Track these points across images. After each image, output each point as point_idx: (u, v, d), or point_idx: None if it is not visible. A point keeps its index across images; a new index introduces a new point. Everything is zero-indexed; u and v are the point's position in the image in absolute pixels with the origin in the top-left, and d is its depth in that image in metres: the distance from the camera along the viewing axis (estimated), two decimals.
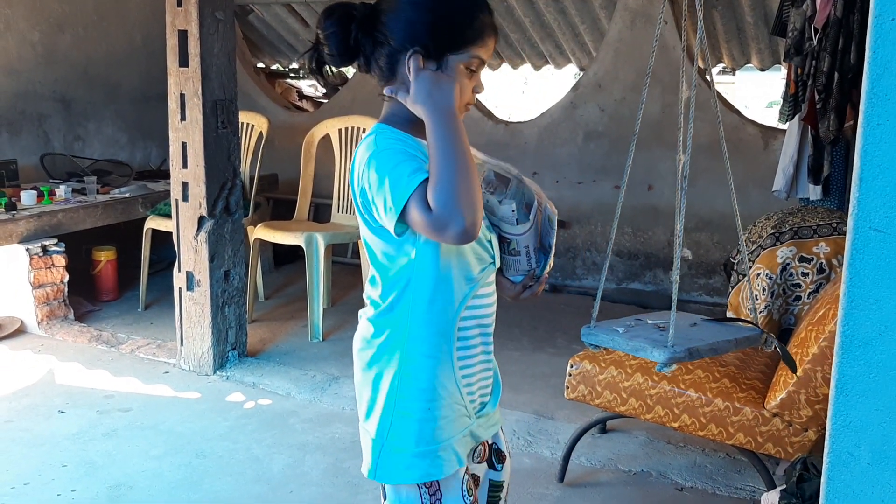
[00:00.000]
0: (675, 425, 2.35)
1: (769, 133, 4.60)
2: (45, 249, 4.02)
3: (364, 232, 1.45)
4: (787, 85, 3.43)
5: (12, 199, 4.06)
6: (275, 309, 4.55)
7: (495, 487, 1.64)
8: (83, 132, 5.40)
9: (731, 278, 3.06)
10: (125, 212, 4.51)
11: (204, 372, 3.52)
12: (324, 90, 7.56)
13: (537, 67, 6.13)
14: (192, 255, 3.47)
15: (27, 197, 4.17)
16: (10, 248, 3.93)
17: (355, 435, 2.57)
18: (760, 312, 2.87)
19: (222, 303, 3.52)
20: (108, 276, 4.62)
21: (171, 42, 3.36)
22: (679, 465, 2.74)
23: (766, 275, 2.88)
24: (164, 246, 4.40)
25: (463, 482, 1.47)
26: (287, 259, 5.50)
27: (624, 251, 4.99)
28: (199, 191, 3.41)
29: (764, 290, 2.87)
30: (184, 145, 3.42)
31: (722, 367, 2.39)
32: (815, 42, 3.15)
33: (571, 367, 2.49)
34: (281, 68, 7.11)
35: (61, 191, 4.45)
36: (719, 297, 4.77)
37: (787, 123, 4.16)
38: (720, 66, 5.62)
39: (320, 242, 3.97)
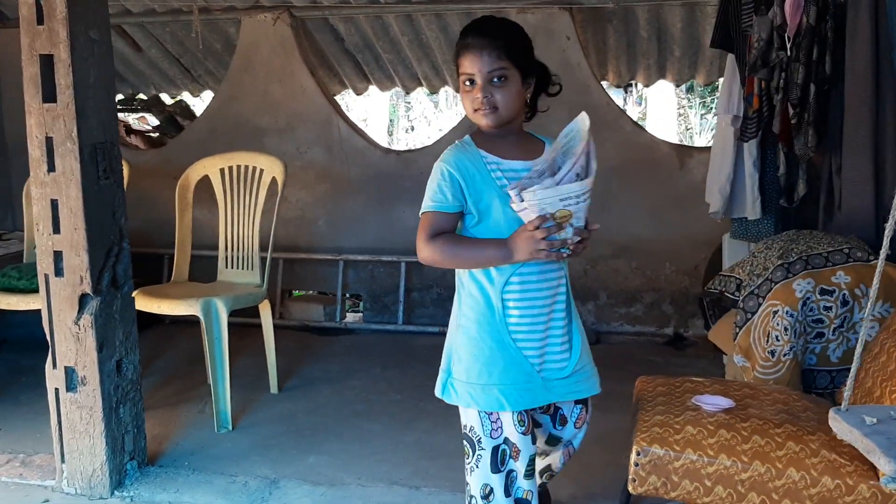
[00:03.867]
0: None
1: (684, 152, 4.43)
2: None
3: None
4: (749, 100, 3.20)
5: None
6: (154, 392, 3.72)
7: (553, 440, 2.22)
8: None
9: (738, 317, 2.75)
10: None
11: (98, 495, 2.71)
12: (155, 123, 6.65)
13: (409, 90, 5.68)
14: (73, 346, 2.66)
15: None
16: None
17: None
18: (785, 356, 2.57)
19: (116, 402, 2.73)
20: None
21: (31, 71, 2.56)
22: None
23: (787, 312, 2.58)
24: None
25: (516, 422, 1.99)
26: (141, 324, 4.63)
27: None
28: (79, 262, 2.61)
29: (786, 329, 2.58)
30: (54, 204, 2.61)
31: (810, 433, 2.04)
32: (788, 52, 2.93)
33: (637, 454, 2.03)
34: None
35: None
36: (641, 326, 4.53)
37: (713, 141, 3.99)
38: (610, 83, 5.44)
39: (221, 310, 3.25)
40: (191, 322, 3.83)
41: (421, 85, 5.55)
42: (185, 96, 6.13)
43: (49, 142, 2.58)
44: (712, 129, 15.05)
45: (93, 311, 2.64)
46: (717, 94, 4.60)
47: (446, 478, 2.80)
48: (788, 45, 2.94)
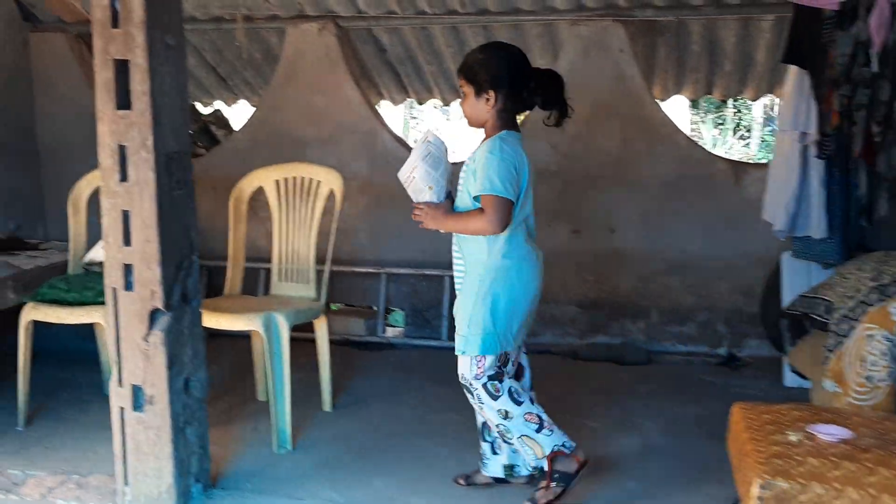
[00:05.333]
0: None
1: (740, 168, 4.34)
2: None
3: None
4: (828, 117, 3.11)
5: None
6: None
7: None
8: None
9: (830, 341, 2.65)
10: None
11: None
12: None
13: (447, 102, 5.59)
14: (141, 363, 2.55)
15: None
16: None
17: None
18: (881, 381, 2.48)
19: (183, 422, 2.62)
20: None
21: (104, 76, 2.46)
22: None
23: (884, 336, 2.49)
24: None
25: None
26: None
27: (586, 301, 4.52)
28: (150, 275, 2.51)
29: (883, 354, 2.48)
30: (125, 214, 2.51)
31: None
32: (874, 68, 2.84)
33: (762, 487, 1.93)
34: None
35: None
36: (694, 346, 4.42)
37: (774, 157, 3.91)
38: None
39: (282, 325, 3.15)
40: (233, 334, 3.72)
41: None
42: (219, 105, 6.03)
43: (122, 150, 2.48)
44: (726, 145, 15.05)
45: (163, 327, 2.53)
46: (778, 110, 4.51)
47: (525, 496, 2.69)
48: (874, 62, 2.85)
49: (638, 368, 4.27)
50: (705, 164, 4.32)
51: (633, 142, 4.34)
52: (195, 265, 2.68)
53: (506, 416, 2.60)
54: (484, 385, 2.59)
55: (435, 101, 5.65)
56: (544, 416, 2.64)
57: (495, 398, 2.59)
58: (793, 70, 3.61)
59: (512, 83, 2.55)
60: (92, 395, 3.81)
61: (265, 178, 3.63)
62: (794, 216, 3.68)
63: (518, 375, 2.79)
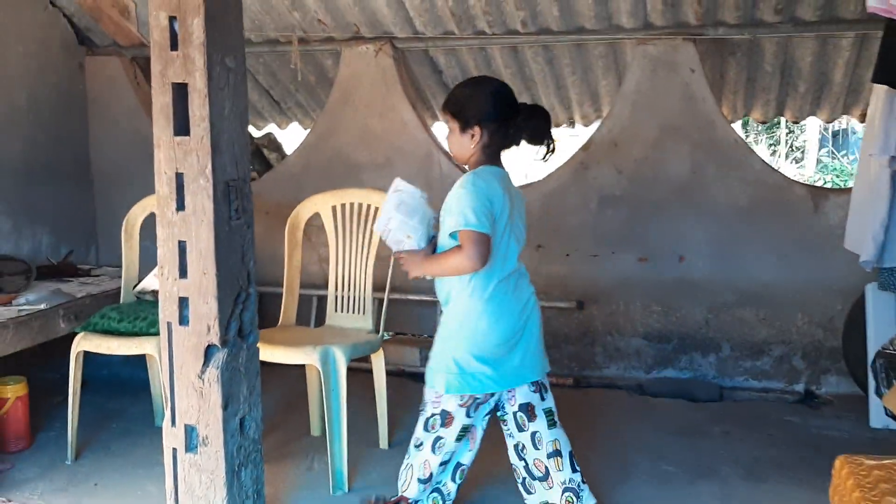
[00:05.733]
0: None
1: (819, 193, 4.09)
2: None
3: None
4: None
5: None
6: None
7: None
8: None
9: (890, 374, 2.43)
10: (43, 330, 3.33)
11: None
12: None
13: None
14: (196, 402, 2.41)
15: None
16: None
17: None
18: None
19: (238, 465, 2.48)
20: (17, 417, 3.38)
21: (162, 101, 2.35)
22: None
23: None
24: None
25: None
26: None
27: (653, 333, 4.30)
28: (206, 309, 2.38)
29: None
30: (181, 246, 2.39)
31: None
32: None
33: None
34: None
35: None
36: (768, 382, 4.17)
37: (856, 182, 3.68)
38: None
39: (340, 360, 3.00)
40: (281, 364, 3.60)
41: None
42: (272, 128, 5.95)
43: (179, 178, 2.36)
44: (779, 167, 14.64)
45: (219, 364, 2.39)
46: (863, 133, 4.26)
47: None
48: None
49: (709, 405, 4.03)
50: (782, 189, 4.08)
51: (704, 165, 4.13)
52: (252, 298, 2.54)
53: (418, 445, 2.62)
54: (430, 415, 2.57)
55: None
56: (435, 478, 2.64)
57: (426, 430, 2.59)
58: (880, 90, 3.38)
59: (498, 118, 2.49)
60: (142, 426, 3.72)
61: (322, 204, 3.51)
62: (882, 246, 3.44)
63: (531, 415, 2.64)
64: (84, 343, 3.23)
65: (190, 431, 2.45)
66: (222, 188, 2.38)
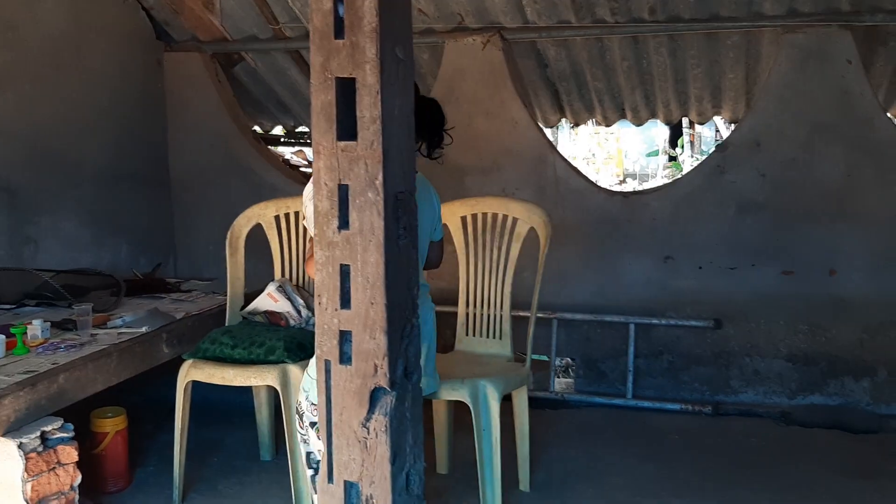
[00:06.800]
0: None
1: None
2: (44, 439, 2.45)
3: None
4: None
5: None
6: None
7: None
8: (34, 231, 3.79)
9: None
10: (146, 357, 2.96)
11: None
12: (310, 160, 6.17)
13: (610, 122, 5.05)
14: (359, 455, 2.03)
15: None
16: None
17: None
18: None
19: None
20: (116, 454, 3.05)
21: (323, 98, 1.95)
22: None
23: None
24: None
25: None
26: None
27: (798, 355, 3.87)
28: (373, 346, 1.99)
29: None
30: (343, 270, 2.01)
31: None
32: None
33: None
34: (265, 132, 5.68)
35: (35, 329, 2.88)
36: None
37: None
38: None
39: (492, 397, 2.62)
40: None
41: (624, 117, 4.91)
42: None
43: (342, 190, 1.98)
44: None
45: (387, 411, 2.01)
46: None
47: None
48: None
49: (867, 437, 3.60)
50: None
51: (861, 168, 3.70)
52: (416, 331, 2.16)
53: None
54: None
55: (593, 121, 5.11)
56: None
57: None
58: None
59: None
60: (247, 461, 3.39)
61: (449, 215, 3.13)
62: None
63: None
64: (194, 373, 2.87)
65: (350, 488, 2.07)
66: (392, 202, 2.00)
